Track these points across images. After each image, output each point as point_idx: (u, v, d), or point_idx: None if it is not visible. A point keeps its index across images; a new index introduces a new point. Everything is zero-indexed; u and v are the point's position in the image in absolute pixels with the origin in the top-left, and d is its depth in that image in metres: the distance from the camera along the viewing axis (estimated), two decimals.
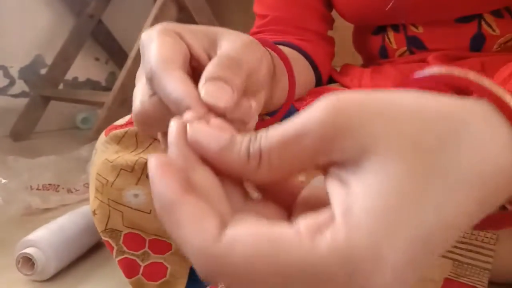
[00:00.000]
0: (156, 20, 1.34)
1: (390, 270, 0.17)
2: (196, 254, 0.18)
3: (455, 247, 0.42)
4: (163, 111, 0.27)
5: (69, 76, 1.96)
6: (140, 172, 0.45)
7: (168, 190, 0.19)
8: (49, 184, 0.95)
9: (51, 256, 0.68)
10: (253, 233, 0.18)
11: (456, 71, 0.21)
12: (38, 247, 0.68)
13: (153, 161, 0.20)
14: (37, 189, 0.95)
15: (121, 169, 0.46)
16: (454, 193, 0.18)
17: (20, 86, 1.89)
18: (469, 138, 0.19)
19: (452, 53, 0.52)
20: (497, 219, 0.23)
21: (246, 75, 0.29)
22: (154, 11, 1.34)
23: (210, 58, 0.30)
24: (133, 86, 0.32)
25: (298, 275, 0.17)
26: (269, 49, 0.39)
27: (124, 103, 1.32)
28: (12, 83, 1.87)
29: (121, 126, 0.49)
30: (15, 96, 1.87)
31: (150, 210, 0.45)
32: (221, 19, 1.52)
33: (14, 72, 1.88)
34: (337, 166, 0.19)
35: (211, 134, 0.21)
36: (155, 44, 0.28)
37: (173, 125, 0.22)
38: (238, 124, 0.27)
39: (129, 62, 1.36)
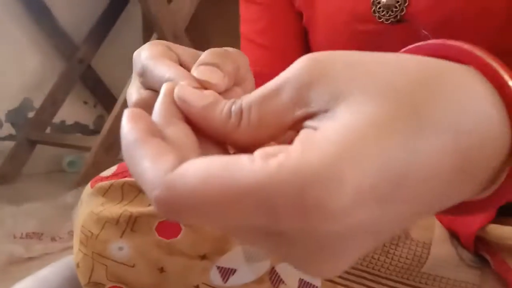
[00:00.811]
0: None
1: (350, 192, 0.16)
2: (149, 185, 0.18)
3: None
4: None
5: (56, 119, 1.96)
6: (124, 225, 0.46)
7: (133, 131, 0.19)
8: (33, 233, 0.94)
9: None
10: (207, 160, 0.17)
11: (449, 41, 0.21)
12: None
13: (127, 110, 0.21)
14: (21, 237, 0.94)
15: (106, 221, 0.46)
16: (428, 136, 0.17)
17: (7, 129, 1.89)
18: (446, 88, 0.19)
19: None
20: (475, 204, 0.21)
21: (236, 67, 0.30)
22: None
23: None
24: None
25: (251, 195, 0.16)
26: None
27: (111, 148, 1.33)
28: None
29: (107, 177, 0.49)
30: (1, 139, 1.87)
31: (134, 264, 0.45)
32: None
33: (1, 115, 1.88)
34: (312, 118, 0.19)
35: (197, 93, 0.22)
36: (145, 50, 0.30)
37: (164, 86, 0.23)
38: None
39: (117, 106, 1.38)
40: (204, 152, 0.21)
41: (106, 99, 2.06)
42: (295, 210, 0.16)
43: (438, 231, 0.45)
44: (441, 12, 0.49)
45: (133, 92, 0.31)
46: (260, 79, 0.61)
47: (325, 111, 0.18)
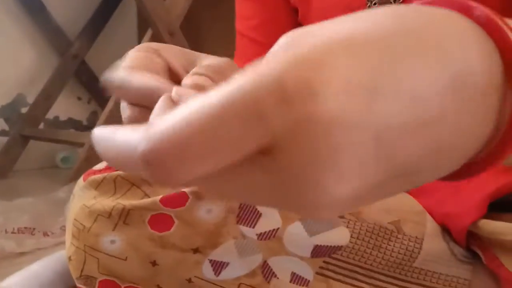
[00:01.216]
0: None
1: (343, 84, 0.14)
2: (132, 147, 0.16)
3: None
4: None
5: (50, 115, 1.95)
6: (117, 218, 0.45)
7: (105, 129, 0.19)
8: (24, 228, 0.94)
9: None
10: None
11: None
12: None
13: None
14: (12, 232, 0.93)
15: (98, 214, 0.46)
16: (422, 66, 0.16)
17: (0, 124, 1.88)
18: (436, 22, 0.18)
19: None
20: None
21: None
22: None
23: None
24: None
25: (236, 105, 0.14)
26: None
27: None
28: None
29: (100, 171, 0.49)
30: None
31: (126, 257, 0.45)
32: None
33: None
34: None
35: (193, 94, 0.22)
36: (126, 59, 0.30)
37: (160, 99, 0.23)
38: None
39: (110, 103, 1.37)
40: None
41: (100, 95, 2.05)
42: (280, 99, 0.14)
43: (430, 226, 0.45)
44: None
45: (124, 112, 0.31)
46: None
47: None
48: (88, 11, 1.94)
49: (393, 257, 0.43)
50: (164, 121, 0.15)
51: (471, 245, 0.43)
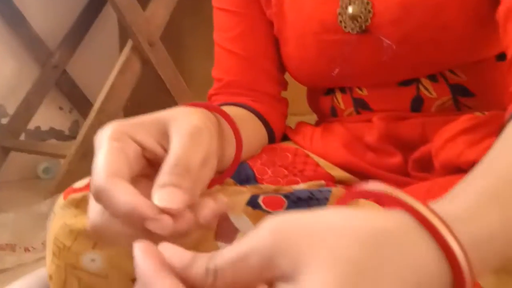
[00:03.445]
0: (121, 73, 1.36)
1: None
2: None
3: None
4: (117, 225, 0.30)
5: (31, 125, 1.93)
6: None
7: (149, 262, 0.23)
8: (5, 244, 0.93)
9: None
10: None
11: (389, 189, 0.24)
12: None
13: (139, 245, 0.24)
14: None
15: (78, 233, 0.46)
16: None
17: None
18: (393, 248, 0.22)
19: (394, 114, 0.56)
20: None
21: (196, 172, 0.32)
22: (118, 65, 1.37)
23: (164, 148, 0.34)
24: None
25: None
26: (217, 114, 0.43)
27: (86, 155, 1.32)
28: None
29: (80, 189, 0.49)
30: None
31: (107, 275, 0.45)
32: (183, 70, 1.56)
33: None
34: (280, 280, 0.22)
35: (176, 253, 0.25)
36: (101, 155, 0.31)
37: (137, 247, 0.25)
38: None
39: (92, 114, 1.37)
40: None
41: (82, 104, 2.04)
42: None
43: None
44: (405, 25, 0.51)
45: (91, 212, 0.33)
46: (232, 88, 0.63)
47: (291, 278, 0.22)
48: (68, 21, 1.93)
49: None
50: None
51: None
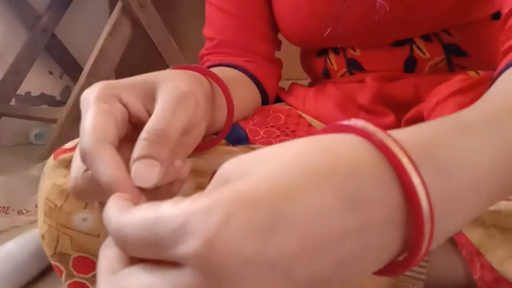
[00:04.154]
0: (110, 36, 1.33)
1: (242, 227, 0.18)
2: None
3: None
4: (97, 186, 0.29)
5: (21, 91, 1.91)
6: None
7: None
8: None
9: None
10: None
11: (369, 126, 0.22)
12: None
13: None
14: None
15: (69, 193, 0.46)
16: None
17: None
18: (326, 157, 0.20)
19: (387, 74, 0.55)
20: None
21: (177, 137, 0.32)
22: (107, 27, 1.34)
23: (149, 113, 0.33)
24: None
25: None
26: (208, 78, 0.42)
27: (77, 120, 1.30)
28: None
29: (70, 149, 0.49)
30: None
31: (99, 234, 0.46)
32: (175, 33, 1.53)
33: None
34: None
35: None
36: (90, 116, 0.31)
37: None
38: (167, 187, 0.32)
39: (82, 78, 1.35)
40: None
41: (72, 69, 2.01)
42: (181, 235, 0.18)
43: None
44: None
45: (73, 170, 0.32)
46: (225, 47, 0.62)
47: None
48: None
49: None
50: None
51: None
